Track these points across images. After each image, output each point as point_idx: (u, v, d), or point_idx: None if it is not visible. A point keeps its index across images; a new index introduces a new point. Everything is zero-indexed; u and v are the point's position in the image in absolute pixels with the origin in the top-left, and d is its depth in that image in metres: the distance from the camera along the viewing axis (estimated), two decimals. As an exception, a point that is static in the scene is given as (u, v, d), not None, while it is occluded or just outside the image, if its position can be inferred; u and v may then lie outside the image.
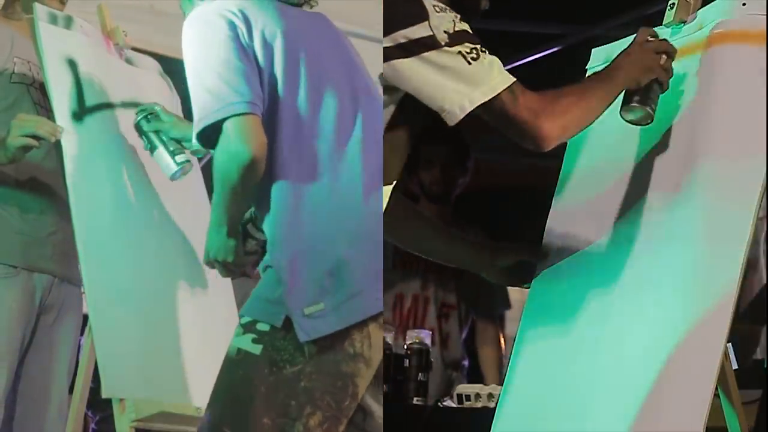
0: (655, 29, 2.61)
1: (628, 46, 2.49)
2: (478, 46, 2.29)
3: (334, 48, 2.60)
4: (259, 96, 2.40)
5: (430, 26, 2.29)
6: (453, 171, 4.45)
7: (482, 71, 2.28)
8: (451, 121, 2.28)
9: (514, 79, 2.31)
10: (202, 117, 2.39)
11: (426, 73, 2.29)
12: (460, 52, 2.28)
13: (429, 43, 2.28)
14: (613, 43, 2.75)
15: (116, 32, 3.09)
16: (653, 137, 2.52)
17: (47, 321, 2.98)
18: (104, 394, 2.69)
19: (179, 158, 2.93)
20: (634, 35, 2.52)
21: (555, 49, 5.79)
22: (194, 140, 2.44)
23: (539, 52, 5.80)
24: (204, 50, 2.43)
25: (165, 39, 3.83)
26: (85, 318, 2.88)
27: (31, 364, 2.96)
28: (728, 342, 2.24)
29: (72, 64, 2.87)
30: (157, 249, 2.95)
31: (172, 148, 2.92)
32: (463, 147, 4.51)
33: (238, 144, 2.35)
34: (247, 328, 2.40)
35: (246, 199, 2.47)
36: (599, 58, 2.77)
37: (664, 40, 2.50)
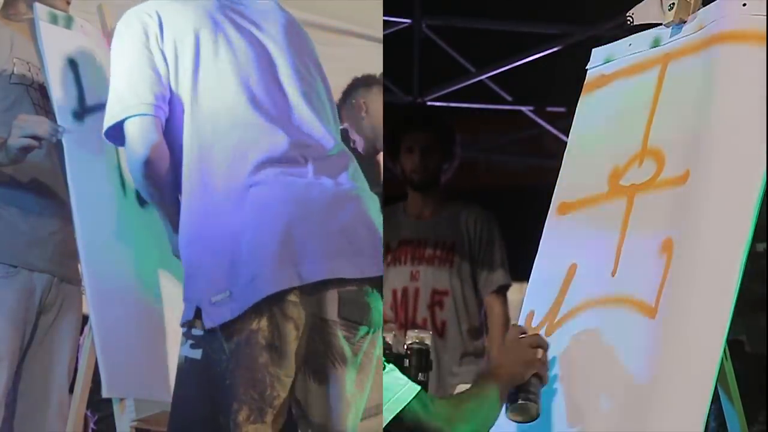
0: (655, 29, 2.61)
1: (503, 344, 2.51)
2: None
3: (260, 37, 2.59)
4: (164, 98, 2.49)
5: None
6: (433, 157, 4.43)
7: (389, 384, 2.39)
8: None
9: (420, 388, 2.39)
10: (106, 118, 2.53)
11: None
12: None
13: None
14: (613, 43, 2.75)
15: (116, 32, 3.09)
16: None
17: (47, 321, 2.98)
18: (104, 394, 2.70)
19: None
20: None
21: (555, 49, 5.80)
22: (104, 139, 2.57)
23: (539, 52, 5.80)
24: (118, 53, 2.57)
25: (165, 39, 3.82)
26: (85, 318, 2.88)
27: (31, 363, 2.96)
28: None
29: (72, 64, 2.87)
30: (157, 248, 2.94)
31: None
32: (444, 132, 4.50)
33: (132, 144, 2.51)
34: (186, 334, 2.45)
35: (167, 197, 2.57)
36: (599, 58, 2.77)
37: (536, 334, 2.51)
